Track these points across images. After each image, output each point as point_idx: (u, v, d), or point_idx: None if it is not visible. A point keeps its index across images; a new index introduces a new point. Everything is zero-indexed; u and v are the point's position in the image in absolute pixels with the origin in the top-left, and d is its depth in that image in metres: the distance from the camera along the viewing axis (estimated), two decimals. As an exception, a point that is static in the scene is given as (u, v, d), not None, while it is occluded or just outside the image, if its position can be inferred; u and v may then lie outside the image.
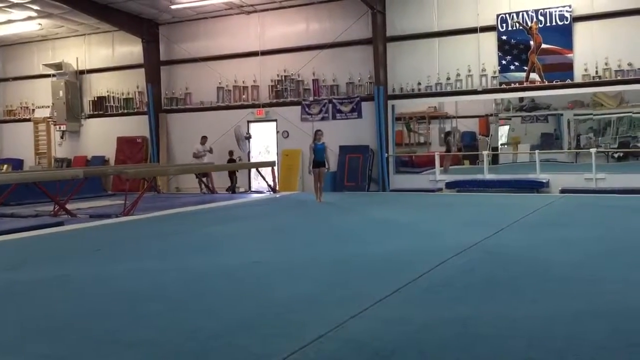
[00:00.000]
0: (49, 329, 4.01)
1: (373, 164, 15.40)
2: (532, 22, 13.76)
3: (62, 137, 19.82)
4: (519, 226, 8.14)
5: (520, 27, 13.90)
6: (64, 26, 18.38)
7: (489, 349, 3.37)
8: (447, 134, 17.74)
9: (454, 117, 18.29)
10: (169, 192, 17.44)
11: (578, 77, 13.45)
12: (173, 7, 16.26)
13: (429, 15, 14.85)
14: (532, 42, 13.79)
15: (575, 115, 17.06)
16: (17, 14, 16.81)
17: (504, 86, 14.22)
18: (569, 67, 13.49)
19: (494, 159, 16.61)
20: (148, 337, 3.75)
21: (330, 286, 4.94)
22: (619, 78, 13.12)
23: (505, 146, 18.57)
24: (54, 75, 19.49)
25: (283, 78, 16.61)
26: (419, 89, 15.03)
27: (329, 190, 14.41)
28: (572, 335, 3.53)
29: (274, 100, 16.74)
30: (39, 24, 17.88)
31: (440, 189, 14.52)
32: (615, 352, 3.27)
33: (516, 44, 13.98)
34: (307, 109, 16.34)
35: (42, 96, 20.07)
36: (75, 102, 19.40)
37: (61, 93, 19.09)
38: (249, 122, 17.18)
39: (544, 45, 13.68)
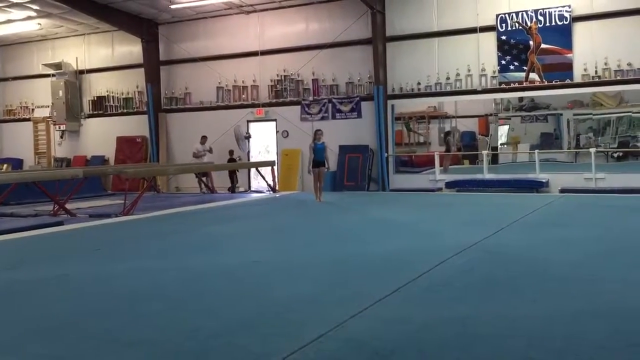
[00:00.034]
0: (49, 328, 4.01)
1: (373, 163, 15.41)
2: (531, 22, 13.77)
3: (61, 137, 19.82)
4: (519, 226, 8.14)
5: (520, 27, 13.90)
6: (63, 26, 18.38)
7: (488, 348, 3.37)
8: (447, 133, 17.72)
9: (453, 117, 18.27)
10: (168, 192, 17.43)
11: (577, 77, 13.46)
12: (173, 7, 16.26)
13: (428, 15, 14.86)
14: (531, 42, 13.80)
15: (574, 115, 17.05)
16: (16, 13, 16.81)
17: (503, 86, 14.22)
18: (568, 67, 13.50)
19: (494, 159, 16.61)
20: (148, 336, 3.75)
21: (329, 286, 4.95)
22: (618, 78, 13.13)
23: (505, 146, 18.56)
24: (53, 75, 19.48)
25: (283, 78, 16.62)
26: (419, 89, 15.04)
27: (329, 190, 14.41)
28: (572, 335, 3.53)
29: (274, 100, 16.74)
30: (39, 23, 17.87)
31: (439, 189, 14.52)
32: (615, 352, 3.27)
33: (516, 43, 13.98)
34: (306, 109, 16.35)
35: (41, 96, 20.07)
36: (75, 102, 19.40)
37: (61, 93, 19.09)
38: (248, 121, 17.18)
39: (543, 45, 13.68)
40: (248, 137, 17.07)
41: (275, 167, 16.03)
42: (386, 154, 15.05)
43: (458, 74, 14.58)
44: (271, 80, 16.77)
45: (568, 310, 4.01)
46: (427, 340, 3.53)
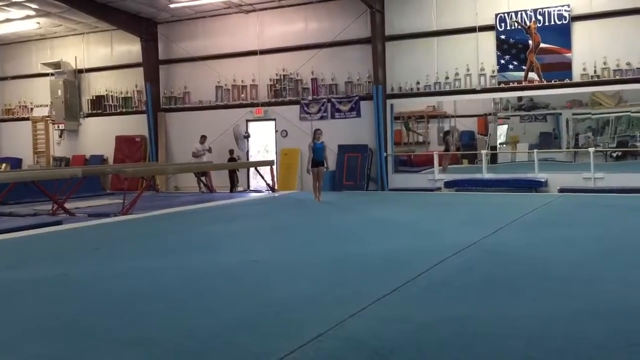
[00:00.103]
0: (48, 327, 4.00)
1: (372, 163, 15.41)
2: (530, 21, 13.77)
3: (60, 136, 19.79)
4: (518, 225, 8.14)
5: (519, 27, 13.91)
6: (62, 25, 18.35)
7: (487, 348, 3.37)
8: (446, 133, 17.73)
9: (452, 117, 18.29)
10: (167, 191, 17.42)
11: (576, 76, 13.46)
12: (172, 6, 16.24)
13: (427, 15, 14.86)
14: (530, 42, 13.80)
15: (573, 114, 17.08)
16: (15, 12, 16.78)
17: (502, 85, 14.23)
18: (567, 66, 13.51)
19: (493, 158, 16.63)
20: (147, 335, 3.75)
21: (329, 285, 4.94)
22: (617, 77, 13.13)
23: (504, 145, 18.58)
24: (52, 74, 19.46)
25: (282, 77, 16.61)
26: (418, 88, 15.04)
27: (328, 190, 14.40)
28: (571, 335, 3.53)
29: (273, 100, 16.73)
30: (38, 22, 17.84)
31: (438, 188, 14.52)
32: (614, 352, 3.27)
33: (515, 43, 13.99)
34: (305, 108, 16.34)
35: (40, 95, 20.04)
36: (74, 101, 19.37)
37: (60, 92, 19.06)
38: (247, 121, 17.17)
39: (542, 45, 13.69)
40: (247, 136, 17.06)
41: (275, 167, 16.03)
42: (385, 153, 15.05)
43: (457, 74, 14.58)
44: (270, 80, 16.76)
45: (567, 310, 4.01)
46: (426, 339, 3.53)
